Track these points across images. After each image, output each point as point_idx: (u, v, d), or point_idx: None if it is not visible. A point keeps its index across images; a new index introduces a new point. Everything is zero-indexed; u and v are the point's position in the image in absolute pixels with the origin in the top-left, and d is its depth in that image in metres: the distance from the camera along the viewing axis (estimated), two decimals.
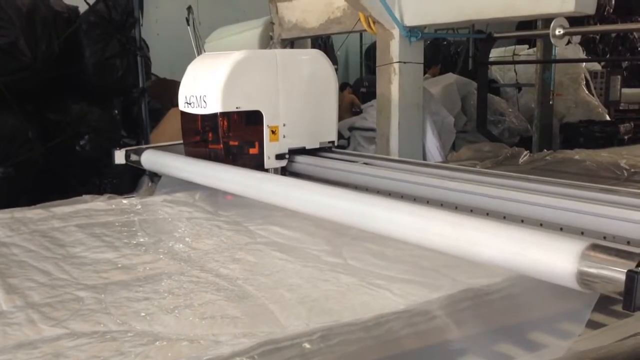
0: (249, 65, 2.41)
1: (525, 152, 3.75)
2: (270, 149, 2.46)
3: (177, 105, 5.24)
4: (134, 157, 2.78)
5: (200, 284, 1.56)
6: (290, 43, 6.18)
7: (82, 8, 4.37)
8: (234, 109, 2.38)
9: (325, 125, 2.65)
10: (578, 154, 3.79)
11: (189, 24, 7.74)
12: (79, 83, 4.27)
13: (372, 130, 5.17)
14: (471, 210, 1.88)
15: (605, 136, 5.99)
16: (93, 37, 4.21)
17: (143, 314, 1.37)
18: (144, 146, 2.81)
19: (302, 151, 2.56)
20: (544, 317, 1.35)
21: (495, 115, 6.17)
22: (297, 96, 2.52)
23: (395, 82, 4.57)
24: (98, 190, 3.22)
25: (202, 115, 2.45)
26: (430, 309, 1.32)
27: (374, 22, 4.61)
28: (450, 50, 8.51)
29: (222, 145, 2.40)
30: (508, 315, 1.40)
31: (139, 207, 2.42)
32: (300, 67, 2.56)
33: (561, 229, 1.68)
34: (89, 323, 1.31)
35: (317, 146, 2.62)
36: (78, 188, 3.52)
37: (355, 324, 1.26)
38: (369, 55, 8.93)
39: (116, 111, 4.45)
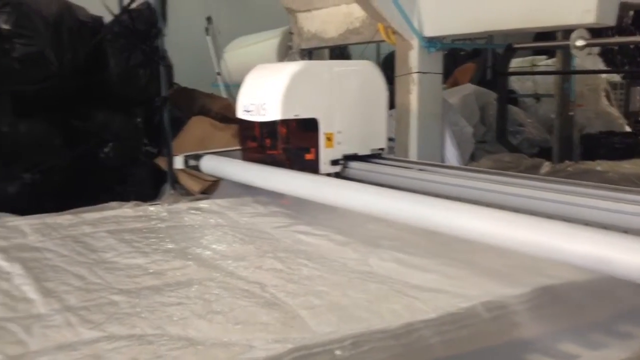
0: (306, 76, 2.56)
1: (546, 163, 3.75)
2: (326, 155, 2.60)
3: (197, 113, 5.32)
4: (192, 162, 2.94)
5: (230, 290, 1.59)
6: (309, 53, 6.23)
7: (107, 18, 4.46)
8: (292, 117, 2.52)
9: (376, 132, 2.78)
10: (600, 165, 3.79)
11: (208, 34, 7.86)
12: (104, 92, 4.33)
13: (391, 140, 5.19)
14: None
15: (626, 147, 5.95)
16: (117, 47, 4.28)
17: (176, 319, 1.40)
18: (202, 152, 2.96)
19: (355, 157, 2.67)
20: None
21: (514, 125, 6.16)
22: (351, 104, 2.66)
23: (414, 92, 4.59)
24: (121, 197, 3.26)
25: (261, 123, 2.60)
26: (459, 318, 1.34)
27: (393, 33, 4.65)
28: (467, 60, 8.50)
29: (280, 151, 2.54)
30: (535, 326, 1.41)
31: (165, 214, 2.47)
32: (353, 77, 2.69)
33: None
34: (125, 326, 1.35)
35: (369, 152, 2.73)
36: (101, 195, 3.57)
37: (385, 332, 1.28)
38: (386, 65, 8.96)
39: (139, 119, 4.51)
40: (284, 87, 2.50)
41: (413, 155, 4.64)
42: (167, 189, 4.30)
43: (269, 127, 2.59)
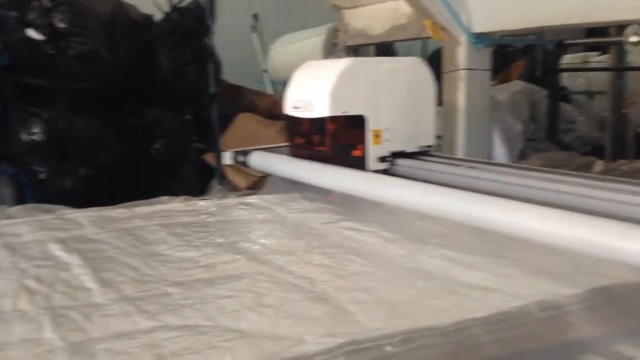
0: (354, 73, 2.57)
1: (599, 162, 3.66)
2: (373, 151, 2.61)
3: (244, 110, 5.38)
4: (240, 158, 3.01)
5: (279, 284, 1.61)
6: (354, 50, 6.23)
7: (157, 16, 4.55)
8: (340, 113, 2.53)
9: (424, 129, 2.77)
10: None
11: (254, 32, 7.94)
12: (154, 89, 4.44)
13: (439, 137, 5.15)
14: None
15: None
16: (168, 45, 4.38)
17: (228, 311, 1.43)
18: (250, 148, 3.02)
19: (402, 154, 2.67)
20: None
21: (565, 123, 6.02)
22: (399, 101, 2.66)
23: (461, 89, 4.53)
24: (170, 192, 3.34)
25: (309, 119, 2.61)
26: (511, 317, 1.33)
27: (440, 29, 4.60)
28: (516, 57, 8.34)
29: (327, 148, 2.56)
30: (590, 327, 1.39)
31: (214, 208, 2.51)
32: (401, 73, 2.70)
33: None
34: (179, 317, 1.38)
35: (416, 150, 2.72)
36: (151, 190, 3.65)
37: (436, 329, 1.27)
38: (433, 62, 8.86)
39: (188, 116, 4.60)
40: (332, 83, 2.51)
41: (460, 152, 4.58)
42: (215, 184, 4.38)
43: (317, 124, 2.61)
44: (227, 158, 3.09)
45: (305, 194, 2.59)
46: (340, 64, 2.61)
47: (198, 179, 4.51)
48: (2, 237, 2.00)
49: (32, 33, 3.72)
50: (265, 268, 1.74)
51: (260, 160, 2.91)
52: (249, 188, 4.27)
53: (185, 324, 1.34)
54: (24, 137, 3.82)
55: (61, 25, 3.77)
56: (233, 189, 4.37)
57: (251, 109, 5.28)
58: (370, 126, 2.58)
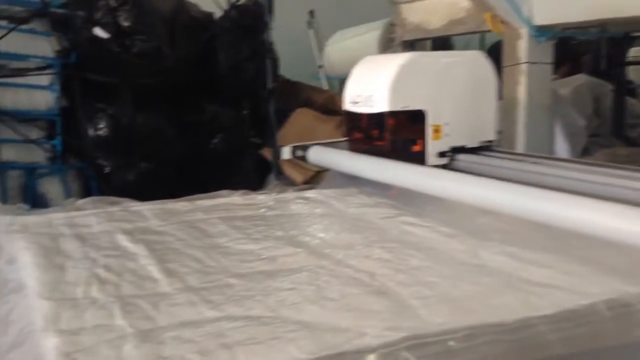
0: (415, 67, 2.57)
1: None
2: (433, 146, 2.59)
3: (300, 105, 5.42)
4: (299, 153, 3.06)
5: (339, 277, 1.61)
6: (410, 45, 6.17)
7: (216, 14, 4.64)
8: (400, 108, 2.52)
9: (485, 124, 2.74)
10: None
11: (311, 27, 7.97)
12: (213, 85, 4.53)
13: (499, 132, 5.05)
14: None
15: None
16: (227, 42, 4.46)
17: (289, 303, 1.44)
18: (309, 143, 3.06)
19: (463, 149, 2.64)
20: None
21: (632, 118, 5.79)
22: (459, 96, 2.64)
23: (522, 83, 4.43)
24: (228, 186, 3.40)
25: (369, 114, 2.61)
26: (578, 316, 1.30)
27: (500, 22, 4.50)
28: (579, 50, 8.08)
29: (386, 143, 2.56)
30: None
31: (273, 202, 2.54)
32: (462, 68, 2.67)
33: None
34: (242, 308, 1.41)
35: (477, 145, 2.69)
36: (210, 184, 3.73)
37: (501, 325, 1.26)
38: (491, 56, 8.69)
39: (246, 111, 4.67)
40: (392, 78, 2.50)
41: (520, 148, 4.48)
42: (272, 179, 4.43)
43: (376, 119, 2.61)
44: (286, 153, 3.12)
45: (363, 189, 2.59)
46: (401, 59, 2.60)
47: (255, 174, 4.58)
48: (74, 227, 2.08)
49: (98, 32, 3.85)
50: (325, 262, 1.75)
51: (319, 155, 2.93)
52: (305, 183, 4.30)
53: (249, 315, 1.37)
54: (91, 132, 3.97)
55: (126, 23, 3.89)
56: (289, 183, 4.41)
57: (308, 104, 5.31)
58: (430, 121, 2.56)
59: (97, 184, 4.04)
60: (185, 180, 4.20)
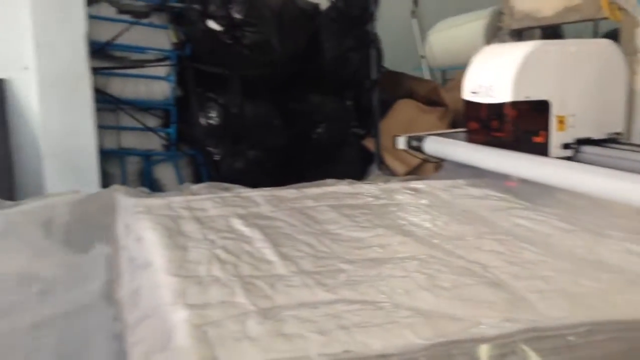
0: (539, 56, 2.49)
1: None
2: (557, 138, 2.50)
3: (403, 96, 5.38)
4: (414, 144, 3.05)
5: (451, 267, 1.61)
6: (518, 34, 5.95)
7: (322, 5, 4.70)
8: (523, 99, 2.46)
9: (613, 115, 2.62)
10: None
11: (414, 17, 7.87)
12: (317, 76, 4.59)
13: None
14: None
15: None
16: (332, 33, 4.51)
17: (402, 290, 1.46)
18: (424, 133, 3.05)
19: (589, 141, 2.54)
20: None
21: None
22: (587, 86, 2.53)
23: None
24: (330, 175, 3.45)
25: (490, 104, 2.57)
26: None
27: (618, 9, 4.26)
28: None
29: (507, 133, 2.50)
30: None
31: (379, 192, 2.56)
32: (590, 57, 2.56)
33: None
34: (356, 292, 1.44)
35: (604, 137, 2.58)
36: (312, 173, 3.80)
37: (624, 323, 1.22)
38: None
39: (349, 102, 4.71)
40: (516, 68, 2.43)
41: (637, 141, 4.23)
42: (374, 169, 4.45)
43: (497, 109, 2.54)
44: (401, 143, 3.12)
45: (472, 181, 2.56)
46: (525, 48, 2.50)
47: (357, 164, 4.61)
48: (192, 211, 2.20)
49: (212, 24, 4.01)
50: (435, 251, 1.75)
51: (435, 146, 2.91)
52: (407, 174, 4.29)
53: (363, 299, 1.40)
54: (202, 121, 4.15)
55: (237, 16, 4.03)
56: (391, 174, 4.41)
57: (411, 95, 5.27)
58: (555, 112, 2.46)
59: (207, 170, 4.22)
60: (289, 168, 4.31)
